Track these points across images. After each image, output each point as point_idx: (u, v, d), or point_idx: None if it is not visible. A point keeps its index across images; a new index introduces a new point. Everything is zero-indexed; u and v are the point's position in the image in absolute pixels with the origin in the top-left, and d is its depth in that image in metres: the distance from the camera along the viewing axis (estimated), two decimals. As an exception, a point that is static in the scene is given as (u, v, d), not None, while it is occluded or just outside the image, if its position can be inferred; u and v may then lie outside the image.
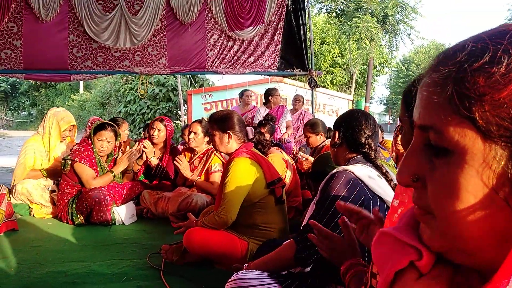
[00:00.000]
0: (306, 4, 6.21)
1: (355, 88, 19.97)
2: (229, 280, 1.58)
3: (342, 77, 19.36)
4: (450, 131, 0.42)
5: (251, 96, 6.34)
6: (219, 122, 2.49)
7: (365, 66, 19.60)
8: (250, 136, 2.57)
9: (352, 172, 1.56)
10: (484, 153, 0.40)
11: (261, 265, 1.67)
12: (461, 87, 0.41)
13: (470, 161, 0.41)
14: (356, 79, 19.88)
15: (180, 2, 5.82)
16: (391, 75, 37.65)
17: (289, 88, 9.54)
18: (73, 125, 4.12)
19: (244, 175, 2.31)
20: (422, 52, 37.42)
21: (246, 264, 1.77)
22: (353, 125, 1.72)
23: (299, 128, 6.49)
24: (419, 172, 0.47)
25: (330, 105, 10.83)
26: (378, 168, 1.66)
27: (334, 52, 18.80)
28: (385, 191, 1.57)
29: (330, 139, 3.98)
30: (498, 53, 0.40)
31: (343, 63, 19.20)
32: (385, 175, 1.65)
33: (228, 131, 2.45)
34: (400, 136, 3.47)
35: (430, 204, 0.45)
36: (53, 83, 27.30)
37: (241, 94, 6.61)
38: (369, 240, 1.12)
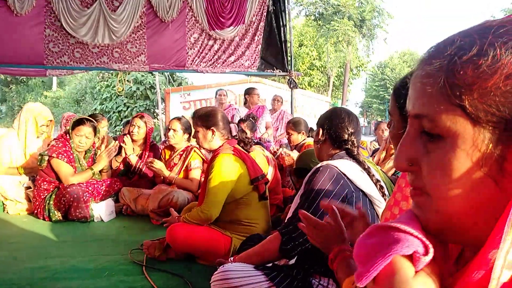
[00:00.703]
0: (286, 6, 6.28)
1: (331, 91, 20.26)
2: (215, 273, 1.60)
3: (320, 80, 19.63)
4: (442, 119, 0.46)
5: (224, 96, 6.35)
6: (203, 119, 2.51)
7: (342, 69, 19.94)
8: (234, 133, 2.60)
9: (336, 167, 1.62)
10: (474, 137, 0.45)
11: (246, 258, 1.70)
12: (452, 77, 0.46)
13: (462, 145, 0.46)
14: (333, 82, 20.18)
15: (161, 0, 5.79)
16: (366, 78, 38.44)
17: (268, 89, 9.61)
18: (50, 120, 4.03)
19: (228, 171, 2.33)
20: (397, 57, 38.38)
21: (231, 258, 1.80)
22: (336, 122, 1.77)
23: (278, 128, 6.56)
24: (414, 157, 0.51)
25: (308, 107, 10.97)
26: (360, 163, 1.72)
27: (312, 55, 19.04)
28: (368, 186, 1.64)
29: (310, 138, 4.08)
30: (485, 46, 0.44)
31: (320, 65, 19.47)
32: (367, 170, 1.72)
33: (212, 128, 2.48)
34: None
35: (426, 185, 0.50)
36: (24, 79, 26.50)
37: (215, 94, 6.63)
38: (354, 236, 1.15)
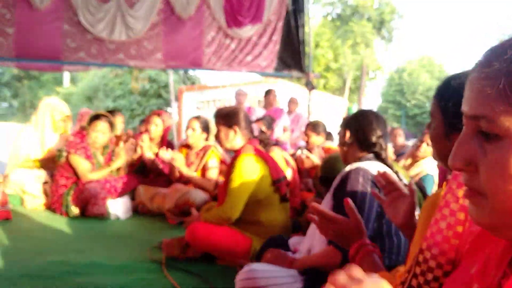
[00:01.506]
0: (306, 5, 6.22)
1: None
2: (241, 271, 1.57)
3: (335, 82, 19.50)
4: (502, 119, 0.48)
5: (243, 96, 6.34)
6: (225, 118, 2.47)
7: (358, 72, 19.79)
8: (256, 133, 2.56)
9: (367, 170, 1.58)
10: None
11: (304, 267, 1.63)
12: None
13: None
14: (349, 85, 20.06)
15: (179, -4, 5.77)
16: (382, 83, 38.00)
17: (283, 90, 9.56)
18: (67, 116, 4.05)
19: (250, 171, 2.30)
20: (415, 61, 37.88)
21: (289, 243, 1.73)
22: (364, 124, 1.74)
23: (293, 130, 6.51)
24: (471, 157, 0.52)
25: (325, 109, 10.90)
26: (389, 166, 1.69)
27: (328, 57, 18.91)
28: None
29: (329, 141, 4.03)
30: None
31: (336, 68, 19.33)
32: (396, 174, 1.68)
33: (234, 127, 2.44)
34: (424, 143, 3.52)
35: (482, 185, 0.51)
36: (37, 74, 26.82)
37: (235, 94, 6.63)
38: (396, 214, 1.16)
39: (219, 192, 2.56)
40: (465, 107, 0.54)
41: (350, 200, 1.18)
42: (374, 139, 1.70)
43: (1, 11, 5.28)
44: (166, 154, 3.47)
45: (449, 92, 0.99)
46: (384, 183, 1.21)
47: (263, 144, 3.12)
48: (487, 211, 0.51)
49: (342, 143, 1.82)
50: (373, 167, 1.60)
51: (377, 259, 1.07)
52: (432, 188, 3.48)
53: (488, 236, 0.62)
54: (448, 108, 0.97)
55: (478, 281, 0.57)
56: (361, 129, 1.73)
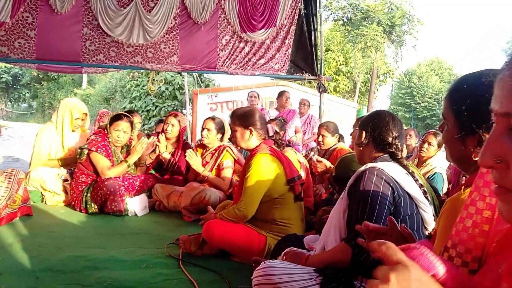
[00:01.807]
0: (318, 9, 6.28)
1: (357, 97, 20.07)
2: (257, 268, 1.61)
3: (346, 85, 19.47)
4: None
5: (256, 97, 6.41)
6: (241, 118, 2.53)
7: (368, 75, 19.72)
8: (271, 134, 2.62)
9: (382, 169, 1.60)
10: None
11: (319, 263, 1.64)
12: None
13: None
14: (359, 88, 20.00)
15: (194, 2, 5.89)
16: (392, 85, 37.83)
17: (295, 93, 9.60)
18: (85, 114, 4.16)
19: (265, 170, 2.36)
20: (424, 64, 37.63)
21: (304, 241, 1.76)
22: (380, 125, 1.75)
23: (306, 132, 6.55)
24: (502, 154, 0.52)
25: (335, 112, 10.91)
26: (404, 167, 1.71)
27: (339, 60, 18.91)
28: (414, 189, 1.62)
29: (341, 142, 4.05)
30: None
31: (347, 71, 19.31)
32: (411, 174, 1.70)
33: (250, 127, 2.50)
34: (426, 143, 3.55)
35: None
36: (55, 76, 27.34)
37: (247, 96, 6.71)
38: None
39: (234, 191, 2.62)
40: (495, 105, 0.54)
41: (391, 217, 1.22)
42: (390, 139, 1.71)
43: (23, 15, 5.46)
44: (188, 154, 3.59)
45: (462, 94, 0.97)
46: (391, 223, 1.20)
47: (277, 144, 3.18)
48: None
49: (358, 144, 1.82)
50: (388, 167, 1.62)
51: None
52: (442, 185, 3.50)
53: None
54: (461, 110, 0.96)
55: (507, 280, 0.57)
56: (377, 130, 1.74)
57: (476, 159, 0.93)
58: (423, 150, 3.64)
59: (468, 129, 0.94)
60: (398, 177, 1.59)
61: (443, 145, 3.67)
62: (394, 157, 1.72)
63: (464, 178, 2.97)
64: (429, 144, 3.65)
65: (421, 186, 1.70)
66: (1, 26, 5.28)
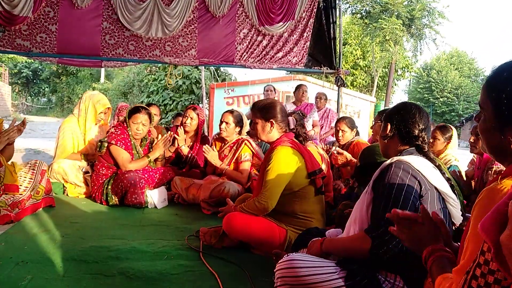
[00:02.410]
0: (337, 2, 6.19)
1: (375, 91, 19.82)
2: (281, 261, 1.61)
3: (363, 80, 19.24)
4: None
5: (272, 91, 6.39)
6: (262, 111, 2.52)
7: (386, 70, 19.44)
8: (291, 127, 2.59)
9: (409, 163, 1.56)
10: None
11: (334, 247, 1.66)
12: None
13: None
14: (377, 83, 19.74)
15: (213, -5, 5.87)
16: (410, 80, 37.24)
17: (312, 87, 9.53)
18: (108, 108, 4.21)
19: (286, 163, 2.34)
20: (444, 58, 36.88)
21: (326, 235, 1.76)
22: (406, 117, 1.71)
23: (323, 126, 6.50)
24: None
25: (352, 106, 10.80)
26: (431, 160, 1.67)
27: (356, 54, 18.69)
28: (441, 183, 1.58)
29: (358, 136, 4.00)
30: None
31: (364, 65, 19.07)
32: (439, 167, 1.66)
33: (271, 120, 2.48)
34: (432, 138, 3.49)
35: None
36: (74, 70, 27.78)
37: (263, 90, 6.69)
38: (411, 240, 1.18)
39: (253, 185, 2.62)
40: None
41: (423, 205, 1.23)
42: (416, 132, 1.67)
43: (45, 10, 5.53)
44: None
45: (501, 82, 0.94)
46: (425, 213, 1.19)
47: (302, 138, 3.15)
48: None
49: (383, 136, 1.77)
50: (415, 160, 1.58)
51: (446, 262, 1.07)
52: (460, 177, 3.46)
53: None
54: (500, 98, 0.92)
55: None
56: (403, 122, 1.69)
57: None
58: (433, 147, 3.60)
59: (507, 118, 0.91)
60: (425, 171, 1.55)
61: (454, 140, 3.61)
62: (421, 150, 1.68)
63: (489, 172, 2.91)
64: (436, 138, 3.61)
65: (448, 180, 1.66)
66: (24, 20, 5.37)
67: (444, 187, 1.58)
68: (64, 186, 3.83)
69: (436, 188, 1.56)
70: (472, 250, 0.88)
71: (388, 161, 1.63)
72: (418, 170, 1.54)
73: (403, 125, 1.70)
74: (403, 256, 1.45)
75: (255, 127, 2.55)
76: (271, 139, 2.51)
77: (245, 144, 3.76)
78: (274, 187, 2.32)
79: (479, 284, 0.74)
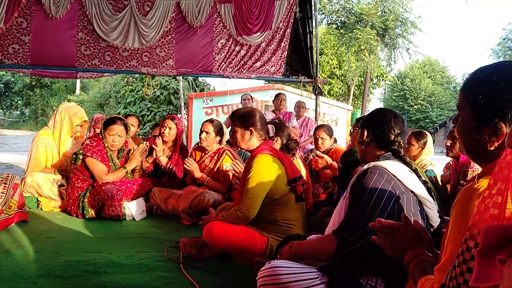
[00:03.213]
0: (313, 12, 6.30)
1: (351, 100, 20.17)
2: (262, 268, 1.60)
3: (340, 88, 19.55)
4: None
5: (249, 100, 6.41)
6: (242, 119, 2.51)
7: (362, 79, 19.83)
8: (271, 134, 2.60)
9: (385, 168, 1.59)
10: None
11: (302, 251, 1.68)
12: None
13: None
14: (353, 91, 20.10)
15: (190, 6, 5.88)
16: (385, 88, 38.11)
17: (290, 96, 9.61)
18: (85, 121, 4.12)
19: (267, 171, 2.34)
20: (417, 67, 37.95)
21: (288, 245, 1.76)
22: (382, 123, 1.74)
23: (302, 135, 6.54)
24: None
25: (330, 114, 10.94)
26: (407, 164, 1.70)
27: (333, 64, 19.00)
28: (417, 186, 1.61)
29: (336, 143, 4.05)
30: None
31: (340, 74, 19.40)
32: (415, 171, 1.69)
33: (250, 128, 2.48)
34: (407, 144, 3.56)
35: None
36: (48, 82, 27.18)
37: (241, 99, 6.72)
38: (393, 246, 1.20)
39: (234, 194, 2.60)
40: None
41: (405, 214, 1.25)
42: (392, 137, 1.70)
43: (17, 20, 5.42)
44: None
45: (478, 84, 0.98)
46: (405, 220, 1.22)
47: (287, 150, 3.16)
48: None
49: (360, 142, 1.81)
50: (390, 165, 1.61)
51: (428, 266, 1.09)
52: (436, 181, 3.53)
53: None
54: (477, 99, 0.96)
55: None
56: (379, 128, 1.73)
57: (492, 148, 0.93)
58: (409, 152, 3.68)
59: (484, 118, 0.94)
60: (400, 175, 1.58)
61: (429, 145, 3.71)
62: (397, 155, 1.71)
63: (467, 174, 2.98)
64: (411, 144, 3.70)
65: (425, 183, 1.70)
66: (-5, 31, 5.24)
67: (420, 190, 1.60)
68: (38, 200, 3.71)
69: (412, 192, 1.58)
70: (452, 249, 0.90)
71: (365, 166, 1.65)
72: (393, 175, 1.57)
73: (379, 130, 1.74)
74: (382, 259, 1.47)
75: (235, 135, 2.54)
76: (251, 147, 2.51)
77: (226, 154, 3.75)
78: (255, 195, 2.31)
79: (461, 270, 0.75)
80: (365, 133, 1.78)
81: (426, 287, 0.97)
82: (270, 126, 2.61)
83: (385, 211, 1.51)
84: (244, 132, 2.49)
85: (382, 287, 1.54)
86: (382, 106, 38.79)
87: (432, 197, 1.67)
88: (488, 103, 0.93)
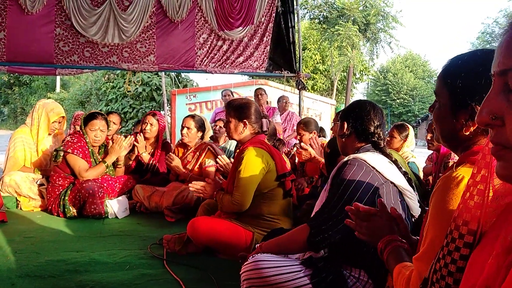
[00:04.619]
0: (295, 7, 6.29)
1: (335, 95, 20.30)
2: (246, 263, 1.58)
3: (323, 83, 19.64)
4: None
5: (229, 96, 6.39)
6: (237, 110, 2.48)
7: (345, 73, 19.96)
8: (264, 129, 2.58)
9: (364, 160, 1.59)
10: None
11: (273, 246, 1.68)
12: None
13: None
14: (336, 86, 20.23)
15: (170, 0, 5.80)
16: (368, 83, 38.50)
17: (273, 91, 9.62)
18: (63, 117, 4.03)
19: (258, 163, 2.32)
20: (399, 61, 38.45)
21: (257, 245, 1.77)
22: (362, 115, 1.75)
23: (286, 129, 6.55)
24: (498, 111, 0.54)
25: (314, 109, 10.99)
26: (387, 155, 1.71)
27: (316, 59, 19.07)
28: (397, 177, 1.62)
29: (322, 137, 4.06)
30: None
31: (324, 69, 19.49)
32: (395, 162, 1.70)
33: (244, 120, 2.46)
34: (389, 136, 3.59)
35: (508, 138, 0.53)
36: (27, 80, 26.58)
37: (221, 95, 6.68)
38: (372, 232, 1.20)
39: (227, 184, 2.55)
40: (493, 68, 0.56)
41: (381, 199, 1.27)
42: (372, 129, 1.71)
43: (-9, 16, 5.25)
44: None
45: (456, 69, 0.99)
46: (381, 205, 1.23)
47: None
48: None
49: (340, 135, 1.82)
50: (370, 157, 1.62)
51: (402, 253, 1.09)
52: (418, 173, 3.58)
53: None
54: (455, 84, 0.97)
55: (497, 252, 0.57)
56: (359, 120, 1.73)
57: (467, 133, 0.93)
58: (390, 144, 3.73)
59: (461, 101, 0.95)
60: (379, 167, 1.58)
61: (410, 138, 3.76)
62: (377, 146, 1.72)
63: (448, 165, 3.02)
64: (393, 137, 3.75)
65: (405, 173, 1.71)
66: (-33, 28, 5.07)
67: (400, 181, 1.61)
68: (17, 200, 3.62)
69: (392, 183, 1.59)
70: (432, 237, 0.90)
71: (345, 159, 1.65)
72: (373, 167, 1.57)
73: (359, 122, 1.74)
74: (364, 250, 1.48)
75: (228, 126, 2.51)
76: (243, 139, 2.48)
77: (209, 149, 3.72)
78: (248, 186, 2.29)
79: (444, 256, 0.75)
80: (345, 126, 1.78)
81: (404, 275, 0.97)
82: (264, 121, 2.59)
83: (361, 201, 1.51)
84: (237, 124, 2.47)
85: (365, 278, 1.55)
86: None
87: (412, 188, 1.68)
88: (465, 87, 0.94)
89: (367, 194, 1.53)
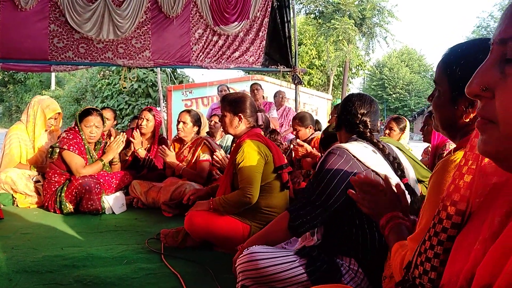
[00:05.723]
0: (290, 1, 6.27)
1: (331, 90, 20.31)
2: (240, 256, 1.59)
3: (319, 79, 19.64)
4: None
5: (226, 91, 6.38)
6: (232, 104, 2.47)
7: (341, 68, 19.96)
8: (260, 122, 2.58)
9: (346, 149, 1.60)
10: None
11: (257, 239, 1.70)
12: None
13: None
14: (333, 81, 20.24)
15: (166, -5, 5.77)
16: (364, 78, 38.53)
17: (270, 86, 9.62)
18: (59, 113, 4.02)
19: (258, 155, 2.32)
20: (395, 56, 38.48)
21: (240, 246, 1.76)
22: (348, 108, 1.77)
23: (283, 124, 6.55)
24: (489, 81, 0.52)
25: (310, 104, 11.00)
26: (374, 144, 1.71)
27: (312, 54, 19.05)
28: (381, 166, 1.62)
29: (318, 131, 4.07)
30: None
31: (320, 64, 19.48)
32: (382, 150, 1.70)
33: (240, 114, 2.45)
34: (387, 129, 3.60)
35: (496, 112, 0.51)
36: (22, 78, 26.41)
37: (217, 90, 6.67)
38: (378, 207, 1.20)
39: (223, 181, 2.53)
40: (494, 35, 0.54)
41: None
42: (357, 120, 1.73)
43: (-16, 12, 5.21)
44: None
45: (456, 57, 1.00)
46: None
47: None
48: (494, 137, 0.51)
49: (334, 129, 1.87)
50: (352, 146, 1.62)
51: (404, 230, 1.10)
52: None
53: (500, 188, 0.61)
54: (455, 72, 0.98)
55: (484, 235, 0.56)
56: (345, 112, 1.77)
57: (467, 120, 0.94)
58: (386, 136, 3.75)
59: (461, 89, 0.95)
60: (361, 155, 1.59)
61: (406, 130, 3.78)
62: (363, 136, 1.72)
63: (442, 156, 3.04)
64: (392, 129, 3.76)
65: (394, 159, 1.71)
66: (-40, 24, 5.03)
67: (384, 169, 1.61)
68: (13, 197, 3.61)
69: (374, 171, 1.59)
70: (427, 219, 0.91)
71: (330, 148, 1.67)
72: (353, 155, 1.58)
73: (346, 115, 1.77)
74: (353, 239, 1.51)
75: (223, 120, 2.50)
76: (238, 133, 2.48)
77: (204, 143, 3.72)
78: (254, 176, 2.28)
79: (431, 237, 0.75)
80: (335, 120, 1.83)
81: (400, 254, 0.98)
82: (260, 114, 2.59)
83: (338, 188, 1.54)
84: (233, 118, 2.46)
85: (355, 266, 1.56)
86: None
87: (402, 172, 1.69)
88: (465, 74, 0.95)
89: (344, 182, 1.55)
